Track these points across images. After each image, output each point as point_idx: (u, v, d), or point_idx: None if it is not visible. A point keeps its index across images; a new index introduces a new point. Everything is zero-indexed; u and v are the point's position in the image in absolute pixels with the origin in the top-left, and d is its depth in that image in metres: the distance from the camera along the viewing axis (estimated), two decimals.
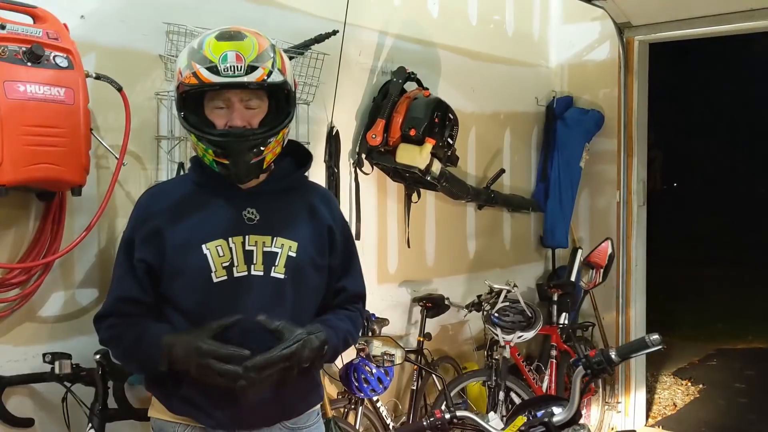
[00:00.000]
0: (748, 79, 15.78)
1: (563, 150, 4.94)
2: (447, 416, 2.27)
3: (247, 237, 1.87)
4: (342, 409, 3.34)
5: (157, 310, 1.90)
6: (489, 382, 3.87)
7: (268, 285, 1.87)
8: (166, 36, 2.78)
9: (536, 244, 5.14)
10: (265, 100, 1.88)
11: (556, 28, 5.19)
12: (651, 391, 5.88)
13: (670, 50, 7.41)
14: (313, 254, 1.95)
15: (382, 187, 3.86)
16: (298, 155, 2.05)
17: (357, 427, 3.27)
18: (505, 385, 3.87)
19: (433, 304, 3.90)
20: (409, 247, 3.95)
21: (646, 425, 5.14)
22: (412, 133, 3.54)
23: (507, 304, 3.90)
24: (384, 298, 3.87)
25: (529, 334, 3.82)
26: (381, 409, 3.46)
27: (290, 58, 2.94)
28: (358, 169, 3.64)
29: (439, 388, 3.83)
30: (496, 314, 3.86)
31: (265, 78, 1.81)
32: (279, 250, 1.89)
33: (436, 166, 3.68)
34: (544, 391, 4.28)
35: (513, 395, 3.89)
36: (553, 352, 4.42)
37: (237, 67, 1.77)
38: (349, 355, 3.29)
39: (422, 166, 3.58)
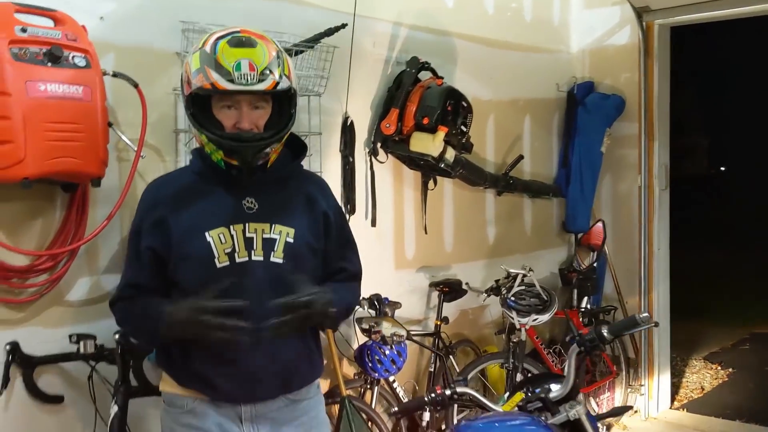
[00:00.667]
0: None
1: (584, 135, 4.97)
2: (447, 392, 2.37)
3: (247, 225, 2.00)
4: (359, 389, 3.46)
5: (165, 294, 2.04)
6: (507, 365, 3.95)
7: (268, 269, 2.00)
8: (182, 34, 2.92)
9: (559, 230, 5.18)
10: (270, 103, 2.02)
11: (577, 13, 5.21)
12: (679, 375, 5.89)
13: (719, 33, 7.26)
14: (310, 240, 2.07)
15: (399, 176, 3.96)
16: (293, 146, 2.16)
17: (373, 407, 3.39)
18: (522, 368, 3.95)
19: (450, 289, 4.00)
20: (426, 233, 4.05)
21: (671, 408, 5.15)
22: (425, 121, 3.63)
23: (523, 288, 3.97)
24: (401, 283, 3.97)
25: (543, 317, 3.89)
26: (398, 390, 3.57)
27: (300, 52, 3.08)
28: (373, 158, 3.74)
29: (457, 370, 3.93)
30: (513, 298, 3.94)
31: (276, 86, 1.94)
32: (277, 237, 2.01)
33: (450, 154, 3.76)
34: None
35: None
36: None
37: (250, 75, 1.90)
38: (363, 337, 3.42)
39: (435, 154, 3.67)
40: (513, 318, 3.89)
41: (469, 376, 3.97)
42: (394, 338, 3.17)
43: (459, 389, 2.38)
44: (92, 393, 2.58)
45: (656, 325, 4.78)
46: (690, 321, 7.76)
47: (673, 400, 5.28)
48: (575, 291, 4.69)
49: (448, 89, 3.70)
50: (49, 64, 2.31)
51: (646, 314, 2.21)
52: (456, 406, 3.71)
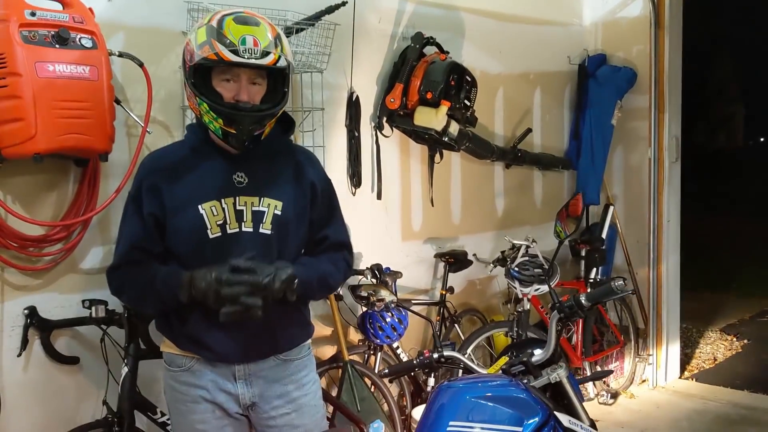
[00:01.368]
0: None
1: (595, 108, 5.00)
2: (435, 355, 2.49)
3: (237, 198, 2.13)
4: (363, 354, 3.61)
5: (163, 260, 2.18)
6: (511, 333, 4.05)
7: (257, 240, 2.13)
8: (187, 14, 3.03)
9: None
10: (266, 80, 2.14)
11: None
12: (693, 346, 5.94)
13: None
14: (297, 211, 2.19)
15: (405, 149, 4.06)
16: (283, 122, 2.27)
17: (376, 371, 3.54)
18: (526, 336, 4.05)
19: (455, 260, 4.11)
20: (432, 205, 4.15)
21: (680, 378, 5.22)
22: (429, 96, 3.72)
23: (527, 258, 4.06)
24: (408, 254, 4.09)
25: (545, 287, 3.97)
26: (402, 356, 3.71)
27: (302, 30, 3.18)
28: (378, 132, 3.84)
29: (462, 338, 4.05)
30: (516, 268, 4.03)
31: (276, 63, 2.07)
32: (266, 209, 2.14)
33: (454, 128, 3.84)
34: (570, 342, 4.44)
35: None
36: None
37: (254, 50, 2.03)
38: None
39: (438, 128, 3.76)
40: (516, 288, 3.99)
41: (475, 343, 4.10)
42: (389, 305, 3.29)
43: (446, 353, 2.49)
44: (105, 355, 2.76)
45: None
46: (713, 293, 7.79)
47: (683, 370, 5.35)
48: (582, 262, 4.76)
49: (451, 64, 3.78)
50: (57, 45, 2.46)
51: (621, 282, 2.29)
52: (461, 371, 3.83)
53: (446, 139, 3.83)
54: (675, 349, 5.18)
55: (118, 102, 2.75)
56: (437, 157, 4.14)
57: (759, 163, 20.36)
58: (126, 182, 2.78)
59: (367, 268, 3.54)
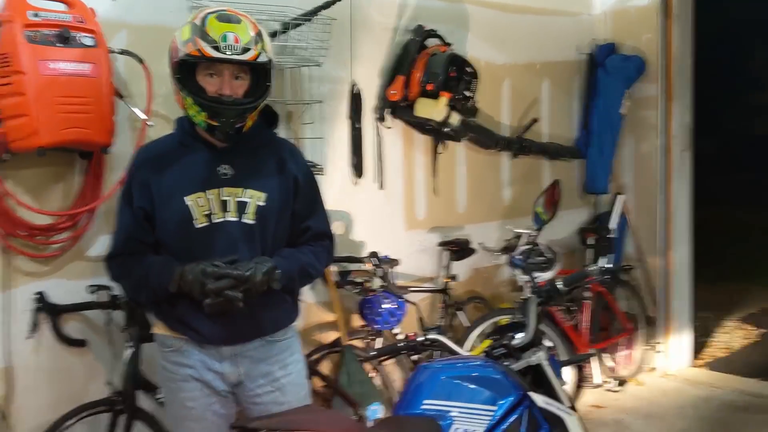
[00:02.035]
0: None
1: (604, 97, 5.02)
2: (420, 338, 2.58)
3: (222, 190, 2.25)
4: (364, 339, 3.71)
5: (156, 249, 2.31)
6: (514, 319, 4.11)
7: (240, 229, 2.25)
8: (189, 12, 3.15)
9: (580, 191, 5.26)
10: (248, 75, 2.25)
11: None
12: (707, 335, 5.92)
13: None
14: (280, 202, 2.30)
15: (409, 140, 4.14)
16: (266, 117, 2.38)
17: None
18: None
19: (459, 248, 4.18)
20: (435, 195, 4.23)
21: (692, 366, 5.23)
22: (429, 87, 3.80)
23: (530, 247, 4.12)
24: (412, 243, 4.18)
25: (546, 275, 4.02)
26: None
27: (298, 25, 3.29)
28: (380, 124, 3.93)
29: (465, 325, 4.13)
30: (519, 256, 4.09)
31: (256, 58, 2.18)
32: (249, 200, 2.26)
33: (455, 118, 3.91)
34: (574, 329, 4.50)
35: None
36: (587, 294, 4.62)
37: (235, 47, 2.15)
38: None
39: (439, 119, 3.84)
40: (517, 276, 4.05)
41: (480, 329, 4.17)
42: (379, 291, 3.42)
43: (431, 336, 2.59)
44: (110, 338, 2.91)
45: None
46: (736, 282, 7.71)
47: (696, 358, 5.34)
48: (591, 251, 4.80)
49: (450, 56, 3.85)
50: (59, 44, 2.60)
51: (595, 267, 2.36)
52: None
53: (447, 129, 3.91)
54: (686, 337, 5.18)
55: (120, 97, 2.89)
56: (440, 147, 4.22)
57: None
58: None
59: (367, 256, 3.64)
